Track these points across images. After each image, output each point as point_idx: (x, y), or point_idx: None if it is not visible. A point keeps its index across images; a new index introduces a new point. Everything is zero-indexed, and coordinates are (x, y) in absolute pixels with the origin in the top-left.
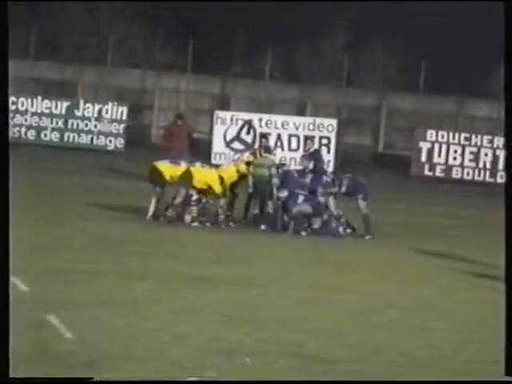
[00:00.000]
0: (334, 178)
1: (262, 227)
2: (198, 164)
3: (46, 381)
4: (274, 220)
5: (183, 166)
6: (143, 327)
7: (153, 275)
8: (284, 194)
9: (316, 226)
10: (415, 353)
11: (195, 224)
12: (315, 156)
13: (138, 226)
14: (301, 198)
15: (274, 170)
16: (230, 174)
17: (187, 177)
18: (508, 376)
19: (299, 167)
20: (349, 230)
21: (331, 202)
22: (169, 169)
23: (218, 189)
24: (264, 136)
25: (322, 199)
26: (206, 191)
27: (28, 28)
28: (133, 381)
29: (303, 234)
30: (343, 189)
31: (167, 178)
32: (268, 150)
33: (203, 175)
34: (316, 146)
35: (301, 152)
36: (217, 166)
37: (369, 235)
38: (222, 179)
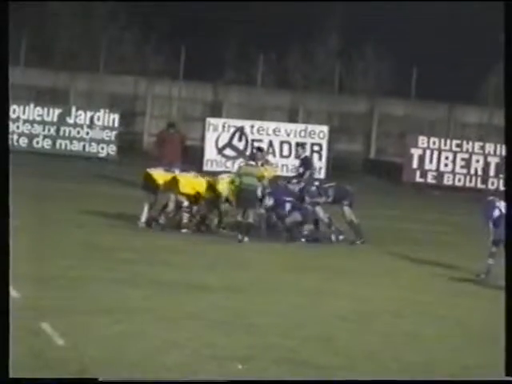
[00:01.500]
0: (319, 187)
1: (240, 237)
2: (192, 173)
3: (46, 381)
4: (257, 230)
5: (177, 173)
6: (135, 334)
7: (145, 282)
8: (270, 202)
9: (306, 233)
10: (407, 358)
11: (185, 231)
12: (305, 163)
13: (130, 232)
14: (288, 206)
15: (265, 182)
16: (223, 186)
17: (173, 183)
18: (508, 376)
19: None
20: (341, 237)
21: (318, 209)
22: (162, 176)
23: (205, 194)
24: (260, 149)
25: (309, 207)
26: (195, 197)
27: (19, 34)
28: (134, 381)
29: (302, 240)
30: (330, 199)
31: (161, 185)
32: (266, 163)
33: (189, 181)
34: (307, 152)
35: (292, 159)
36: (213, 174)
37: (360, 240)
38: (210, 185)
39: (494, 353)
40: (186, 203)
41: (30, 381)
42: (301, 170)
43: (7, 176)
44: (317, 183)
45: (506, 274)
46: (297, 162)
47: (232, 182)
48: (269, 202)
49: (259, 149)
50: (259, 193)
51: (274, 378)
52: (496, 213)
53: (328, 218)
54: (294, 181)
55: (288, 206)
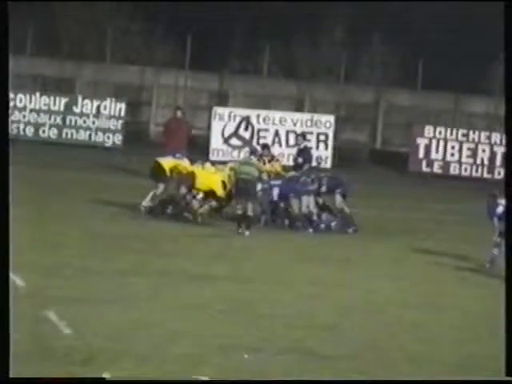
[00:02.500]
0: (313, 178)
1: (240, 230)
2: (199, 162)
3: (47, 381)
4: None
5: (186, 162)
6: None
7: (150, 272)
8: (275, 194)
9: (303, 222)
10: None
11: (187, 215)
12: (305, 153)
13: (136, 222)
14: (276, 191)
15: (264, 175)
16: (229, 179)
17: (190, 177)
18: (508, 376)
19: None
20: (334, 223)
21: (312, 199)
22: (172, 165)
23: (220, 192)
24: (265, 146)
25: (304, 198)
26: (209, 194)
27: (26, 24)
28: (139, 380)
29: (310, 231)
30: (323, 188)
31: (169, 174)
32: (273, 159)
33: (207, 177)
34: (307, 142)
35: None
36: (222, 163)
37: (351, 227)
38: (224, 184)
39: (496, 342)
40: (200, 195)
41: (30, 381)
42: (300, 160)
43: (7, 166)
44: (313, 176)
45: (506, 274)
46: (295, 151)
47: (231, 169)
48: (274, 194)
49: (265, 146)
50: (259, 186)
51: (280, 367)
52: (499, 209)
53: (320, 205)
54: (293, 173)
55: (276, 191)
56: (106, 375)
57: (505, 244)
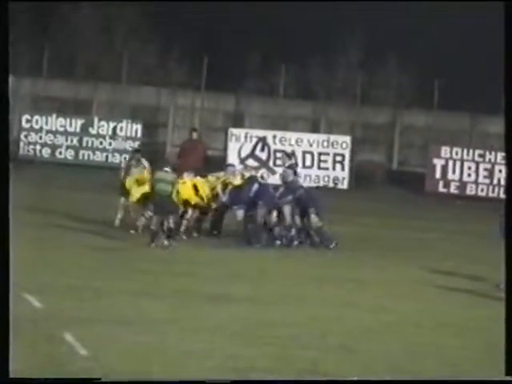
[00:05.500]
0: (286, 188)
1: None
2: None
3: (46, 381)
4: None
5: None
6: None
7: (166, 293)
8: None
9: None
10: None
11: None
12: (291, 170)
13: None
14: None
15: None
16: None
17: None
18: (508, 376)
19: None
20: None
21: (286, 209)
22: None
23: (194, 200)
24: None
25: (286, 208)
26: (186, 204)
27: (42, 46)
28: (136, 381)
29: (295, 243)
30: (296, 195)
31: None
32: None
33: (183, 189)
34: (292, 160)
35: (316, 169)
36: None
37: (332, 243)
38: (196, 189)
39: None
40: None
41: (30, 381)
42: (290, 178)
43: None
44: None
45: (506, 276)
46: (283, 170)
47: (218, 178)
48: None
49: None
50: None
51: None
52: None
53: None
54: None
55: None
56: None
57: (505, 244)
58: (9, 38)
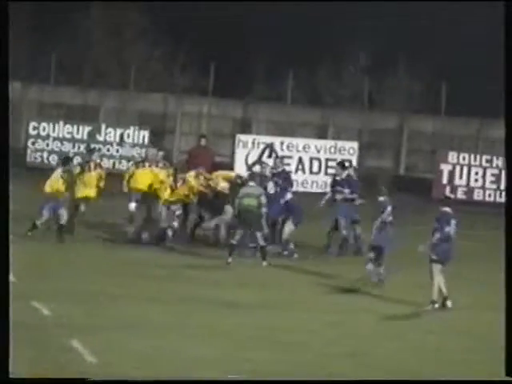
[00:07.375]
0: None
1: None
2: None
3: (45, 381)
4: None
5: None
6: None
7: (174, 299)
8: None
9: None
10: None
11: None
12: (282, 176)
13: (158, 249)
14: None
15: (263, 199)
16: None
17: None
18: (508, 376)
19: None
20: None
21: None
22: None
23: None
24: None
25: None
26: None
27: (49, 53)
28: (132, 381)
29: (295, 256)
30: (282, 200)
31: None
32: (252, 177)
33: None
34: (285, 166)
35: (322, 175)
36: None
37: (295, 254)
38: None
39: None
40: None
41: (29, 381)
42: (279, 182)
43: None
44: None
45: (506, 276)
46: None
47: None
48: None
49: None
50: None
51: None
52: None
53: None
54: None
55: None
56: None
57: (505, 244)
58: (8, 41)
